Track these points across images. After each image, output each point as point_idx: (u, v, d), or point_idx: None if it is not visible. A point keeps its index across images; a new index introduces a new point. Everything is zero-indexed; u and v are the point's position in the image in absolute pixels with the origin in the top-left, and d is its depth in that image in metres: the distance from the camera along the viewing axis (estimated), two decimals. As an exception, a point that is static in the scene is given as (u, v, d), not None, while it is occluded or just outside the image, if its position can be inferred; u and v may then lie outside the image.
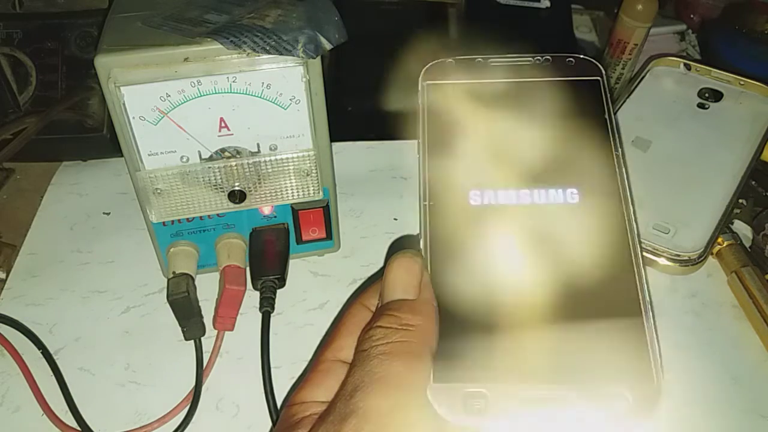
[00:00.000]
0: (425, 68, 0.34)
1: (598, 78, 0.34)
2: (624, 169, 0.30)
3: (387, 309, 0.26)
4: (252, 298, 0.42)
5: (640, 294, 0.26)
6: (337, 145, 0.45)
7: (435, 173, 0.30)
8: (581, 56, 0.34)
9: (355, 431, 0.22)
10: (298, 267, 0.46)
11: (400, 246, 0.47)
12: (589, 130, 0.32)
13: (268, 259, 0.42)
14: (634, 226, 0.28)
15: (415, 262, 0.27)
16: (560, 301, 0.26)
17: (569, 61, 0.34)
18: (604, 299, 0.26)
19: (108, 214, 0.50)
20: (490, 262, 0.28)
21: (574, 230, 0.29)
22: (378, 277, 0.29)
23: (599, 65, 0.34)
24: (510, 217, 0.29)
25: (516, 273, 0.28)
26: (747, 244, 0.47)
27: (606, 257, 0.28)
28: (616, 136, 0.31)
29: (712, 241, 0.44)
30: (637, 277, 0.27)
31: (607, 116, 0.32)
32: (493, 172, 0.30)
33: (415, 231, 0.48)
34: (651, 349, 0.25)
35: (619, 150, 0.31)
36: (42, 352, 0.41)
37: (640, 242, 0.28)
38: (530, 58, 0.34)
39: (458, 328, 0.26)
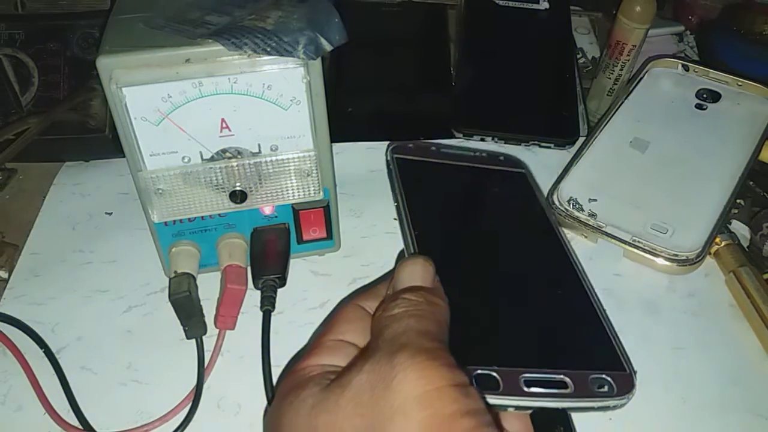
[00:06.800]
0: (390, 147, 0.40)
1: (523, 171, 0.43)
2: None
3: (408, 290, 0.26)
4: (253, 297, 0.42)
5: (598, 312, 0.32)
6: (338, 146, 0.45)
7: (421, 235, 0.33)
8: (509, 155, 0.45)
9: (410, 356, 0.22)
10: (298, 266, 0.46)
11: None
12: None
13: (269, 259, 0.42)
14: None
15: (429, 263, 0.28)
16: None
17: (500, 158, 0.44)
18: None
19: (110, 214, 0.50)
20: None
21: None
22: (378, 279, 0.29)
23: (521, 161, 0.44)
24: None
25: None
26: (745, 244, 0.47)
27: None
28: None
29: (710, 241, 0.45)
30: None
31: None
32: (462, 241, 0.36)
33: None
34: (616, 345, 0.30)
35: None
36: (44, 351, 0.41)
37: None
38: (471, 153, 0.43)
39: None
